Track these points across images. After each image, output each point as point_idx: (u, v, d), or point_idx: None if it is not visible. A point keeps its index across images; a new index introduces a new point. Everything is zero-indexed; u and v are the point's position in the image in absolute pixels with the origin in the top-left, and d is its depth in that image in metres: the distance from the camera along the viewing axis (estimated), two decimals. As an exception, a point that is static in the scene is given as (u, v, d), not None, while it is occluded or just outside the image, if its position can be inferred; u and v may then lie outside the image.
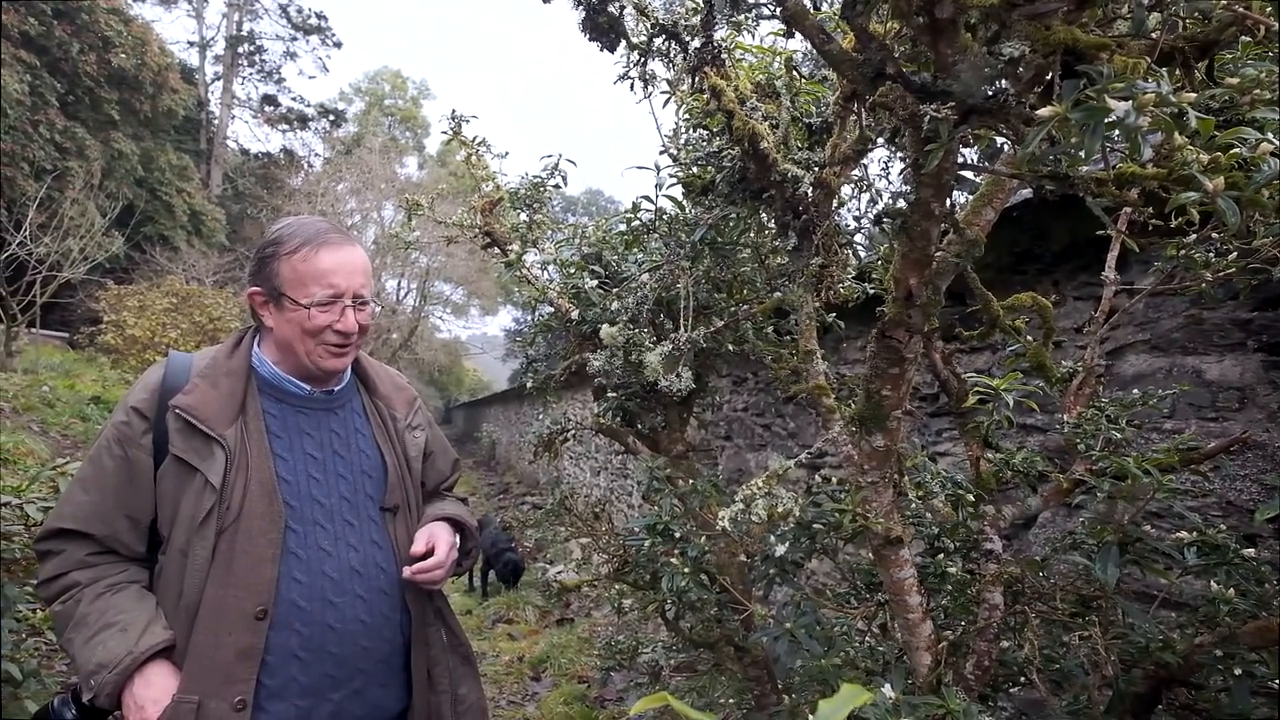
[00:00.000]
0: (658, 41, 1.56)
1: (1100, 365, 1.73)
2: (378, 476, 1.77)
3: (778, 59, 1.75)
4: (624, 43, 1.49)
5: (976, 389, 1.59)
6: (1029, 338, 1.71)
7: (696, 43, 1.49)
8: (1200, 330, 2.34)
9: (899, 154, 1.55)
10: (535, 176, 2.67)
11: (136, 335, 12.89)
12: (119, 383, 12.67)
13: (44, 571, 1.61)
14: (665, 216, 2.20)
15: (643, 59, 1.59)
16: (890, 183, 1.79)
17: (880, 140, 1.46)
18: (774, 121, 1.58)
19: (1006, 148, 1.40)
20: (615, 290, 2.37)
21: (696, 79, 1.50)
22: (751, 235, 2.05)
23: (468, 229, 2.69)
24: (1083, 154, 0.81)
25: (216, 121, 32.77)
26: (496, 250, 2.71)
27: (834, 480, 1.89)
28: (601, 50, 1.47)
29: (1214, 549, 1.48)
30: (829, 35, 1.08)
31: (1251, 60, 1.11)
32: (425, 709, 1.73)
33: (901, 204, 1.28)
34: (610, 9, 1.39)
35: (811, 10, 1.11)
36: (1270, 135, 0.83)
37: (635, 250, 2.53)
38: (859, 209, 1.81)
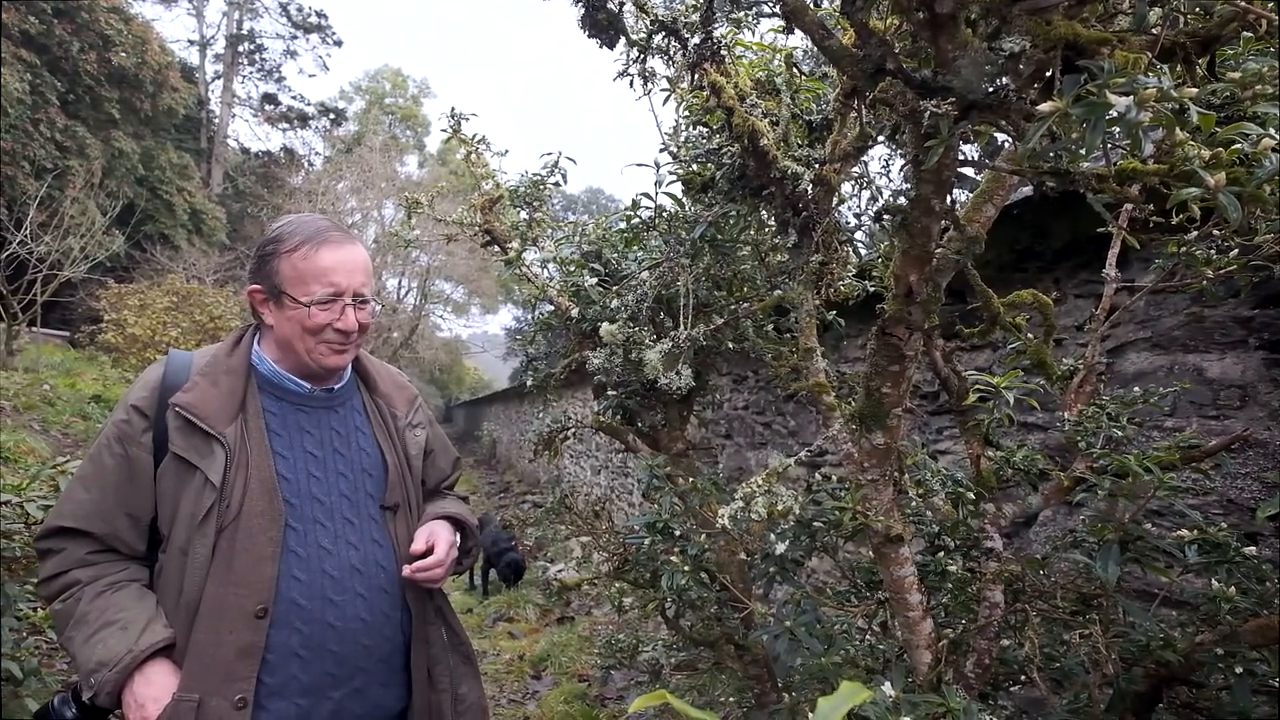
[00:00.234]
0: (657, 38, 1.56)
1: (1101, 363, 1.72)
2: (378, 475, 1.77)
3: (778, 56, 1.74)
4: (623, 39, 1.49)
5: (977, 387, 1.59)
6: (1030, 335, 1.70)
7: (696, 39, 1.48)
8: (1201, 328, 2.34)
9: (899, 151, 1.55)
10: (535, 174, 2.67)
11: (137, 334, 12.87)
12: (119, 381, 12.66)
13: (44, 570, 1.61)
14: (665, 214, 2.20)
15: (642, 56, 1.58)
16: (891, 180, 1.79)
17: (881, 137, 1.46)
18: (774, 118, 1.58)
19: (1007, 145, 1.40)
20: (615, 288, 2.37)
21: (696, 76, 1.50)
22: (751, 233, 2.05)
23: (468, 227, 2.69)
24: (1084, 150, 0.81)
25: (217, 120, 32.76)
26: (496, 248, 2.71)
27: (834, 478, 1.89)
28: (601, 47, 1.46)
29: (1215, 547, 1.48)
30: (829, 31, 1.08)
31: (1253, 55, 1.11)
32: (426, 707, 1.73)
33: (902, 201, 1.28)
34: (609, 6, 1.39)
35: (811, 6, 1.11)
36: (1272, 130, 0.83)
37: (635, 248, 2.52)
38: (859, 206, 1.80)
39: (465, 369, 41.96)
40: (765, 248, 2.02)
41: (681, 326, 1.92)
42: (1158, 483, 1.39)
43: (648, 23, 1.53)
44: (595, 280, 2.48)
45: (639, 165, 2.08)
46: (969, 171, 1.52)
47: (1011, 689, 1.77)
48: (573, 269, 2.61)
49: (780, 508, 1.40)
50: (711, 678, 2.86)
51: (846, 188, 1.73)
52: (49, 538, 1.61)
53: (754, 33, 1.77)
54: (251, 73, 35.26)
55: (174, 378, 1.66)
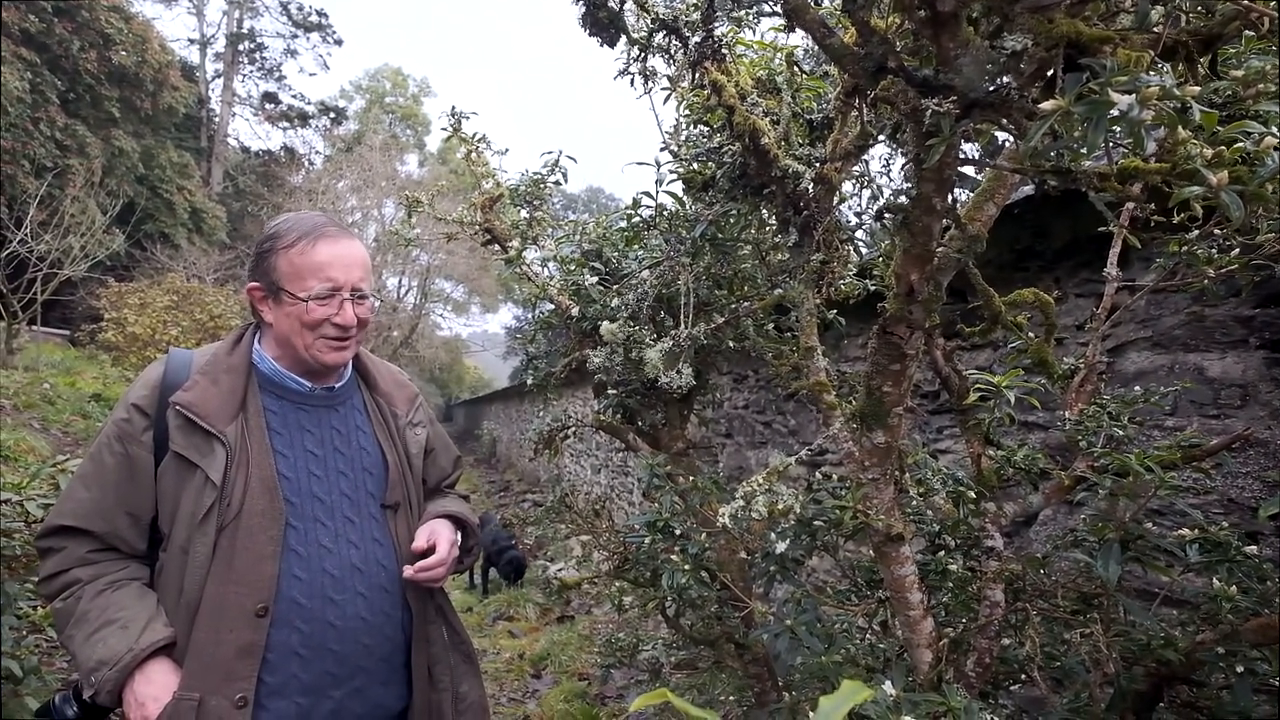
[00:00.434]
0: (658, 37, 1.56)
1: (1102, 362, 1.72)
2: (378, 473, 1.76)
3: (778, 55, 1.74)
4: (624, 38, 1.49)
5: (978, 386, 1.59)
6: (1030, 334, 1.70)
7: (697, 38, 1.48)
8: (1202, 327, 2.33)
9: (900, 150, 1.55)
10: (536, 173, 2.67)
11: (137, 333, 12.88)
12: (120, 380, 12.67)
13: (45, 568, 1.61)
14: (666, 213, 2.20)
15: (643, 54, 1.58)
16: (891, 179, 1.79)
17: (881, 136, 1.46)
18: (775, 117, 1.58)
19: (1007, 144, 1.40)
20: (615, 287, 2.37)
21: (697, 74, 1.50)
22: (752, 231, 2.05)
23: (468, 226, 2.69)
24: (1086, 148, 0.80)
25: (217, 119, 32.75)
26: (497, 247, 2.71)
27: (835, 477, 1.89)
28: (601, 46, 1.46)
29: (1216, 546, 1.48)
30: (830, 29, 1.07)
31: (1254, 54, 1.11)
32: (426, 707, 1.73)
33: (903, 199, 1.28)
34: (610, 4, 1.39)
35: (812, 4, 1.10)
36: (1274, 129, 0.83)
37: (636, 246, 2.52)
38: (860, 205, 1.80)
39: (465, 368, 41.96)
40: (766, 246, 2.02)
41: (682, 325, 1.92)
42: (1159, 482, 1.39)
43: (648, 21, 1.53)
44: (596, 279, 2.48)
45: (639, 164, 2.08)
46: (969, 170, 1.52)
47: (1012, 688, 1.77)
48: (573, 268, 2.60)
49: (781, 506, 1.40)
50: (711, 676, 2.86)
51: (847, 186, 1.73)
52: (49, 536, 1.61)
53: (754, 31, 1.77)
54: (252, 71, 35.27)
55: (174, 376, 1.66)
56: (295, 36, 35.34)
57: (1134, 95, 0.74)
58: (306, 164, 35.13)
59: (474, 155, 2.73)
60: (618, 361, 2.16)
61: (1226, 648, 1.37)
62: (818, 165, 1.50)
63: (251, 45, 34.81)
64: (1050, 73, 0.90)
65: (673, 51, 1.60)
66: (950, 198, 1.19)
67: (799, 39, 1.74)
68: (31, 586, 2.80)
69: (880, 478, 1.47)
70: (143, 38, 20.66)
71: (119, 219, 17.36)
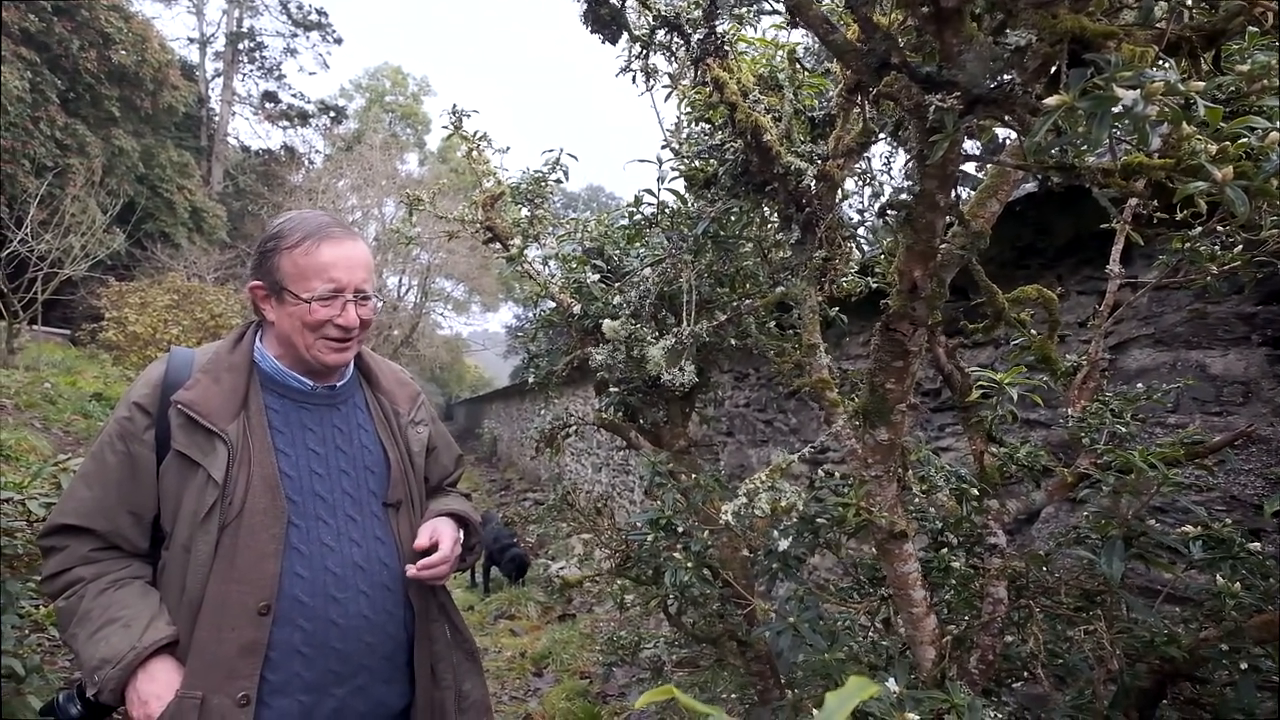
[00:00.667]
0: (660, 34, 1.55)
1: (1104, 359, 1.72)
2: (380, 472, 1.76)
3: (780, 52, 1.74)
4: (626, 35, 1.49)
5: (980, 383, 1.59)
6: (1033, 331, 1.70)
7: (699, 34, 1.48)
8: (1204, 324, 2.33)
9: (902, 147, 1.55)
10: (537, 171, 2.67)
11: (138, 332, 12.88)
12: (120, 379, 12.67)
13: (47, 567, 1.61)
14: (668, 210, 2.20)
15: (645, 51, 1.58)
16: (892, 177, 1.79)
17: (883, 134, 1.46)
18: (777, 114, 1.58)
19: (1009, 142, 1.40)
20: (617, 284, 2.36)
21: (699, 71, 1.49)
22: (754, 229, 2.05)
23: (470, 224, 2.68)
24: (1089, 144, 0.80)
25: (217, 118, 32.74)
26: (498, 245, 2.71)
27: (837, 474, 1.89)
28: (603, 43, 1.46)
29: (1219, 543, 1.48)
30: (833, 26, 1.07)
31: (1259, 49, 1.10)
32: (429, 705, 1.73)
33: (906, 196, 1.27)
34: (612, 1, 1.39)
35: (815, 1, 1.10)
36: (1279, 124, 0.83)
37: (638, 244, 2.52)
38: (862, 202, 1.80)
39: (466, 367, 41.97)
40: (768, 244, 2.02)
41: (684, 323, 1.92)
42: (1162, 479, 1.39)
43: (650, 18, 1.52)
44: (598, 276, 2.48)
45: (641, 161, 2.08)
46: (970, 168, 1.52)
47: (1015, 685, 1.77)
48: (575, 265, 2.60)
49: (784, 504, 1.40)
50: (714, 674, 2.87)
51: (849, 184, 1.72)
52: (52, 535, 1.61)
53: (755, 29, 1.76)
54: (252, 70, 35.24)
55: (176, 375, 1.66)
56: (295, 35, 35.33)
57: (1139, 90, 0.74)
58: (306, 163, 35.13)
59: (475, 153, 2.72)
60: (620, 359, 2.16)
61: (1230, 645, 1.37)
62: (820, 162, 1.50)
63: (251, 44, 34.79)
64: (1054, 68, 0.89)
65: (674, 49, 1.60)
66: (953, 194, 1.19)
67: (800, 36, 1.74)
68: (34, 585, 2.80)
69: (883, 475, 1.47)
70: (142, 37, 20.64)
71: (119, 218, 17.35)
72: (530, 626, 6.89)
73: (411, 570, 1.67)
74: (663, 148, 2.00)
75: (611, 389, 2.57)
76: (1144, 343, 2.53)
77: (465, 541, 1.86)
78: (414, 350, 30.26)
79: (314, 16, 35.27)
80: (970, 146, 1.21)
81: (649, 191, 2.20)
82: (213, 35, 34.64)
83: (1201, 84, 0.77)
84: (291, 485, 1.63)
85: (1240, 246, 1.49)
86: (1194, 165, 0.82)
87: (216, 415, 1.59)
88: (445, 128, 2.71)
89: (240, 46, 34.48)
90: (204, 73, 33.71)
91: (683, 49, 1.55)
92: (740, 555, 2.25)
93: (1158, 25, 0.89)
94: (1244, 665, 1.35)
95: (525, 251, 2.59)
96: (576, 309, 2.48)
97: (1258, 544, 1.47)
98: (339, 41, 36.28)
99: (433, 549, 1.71)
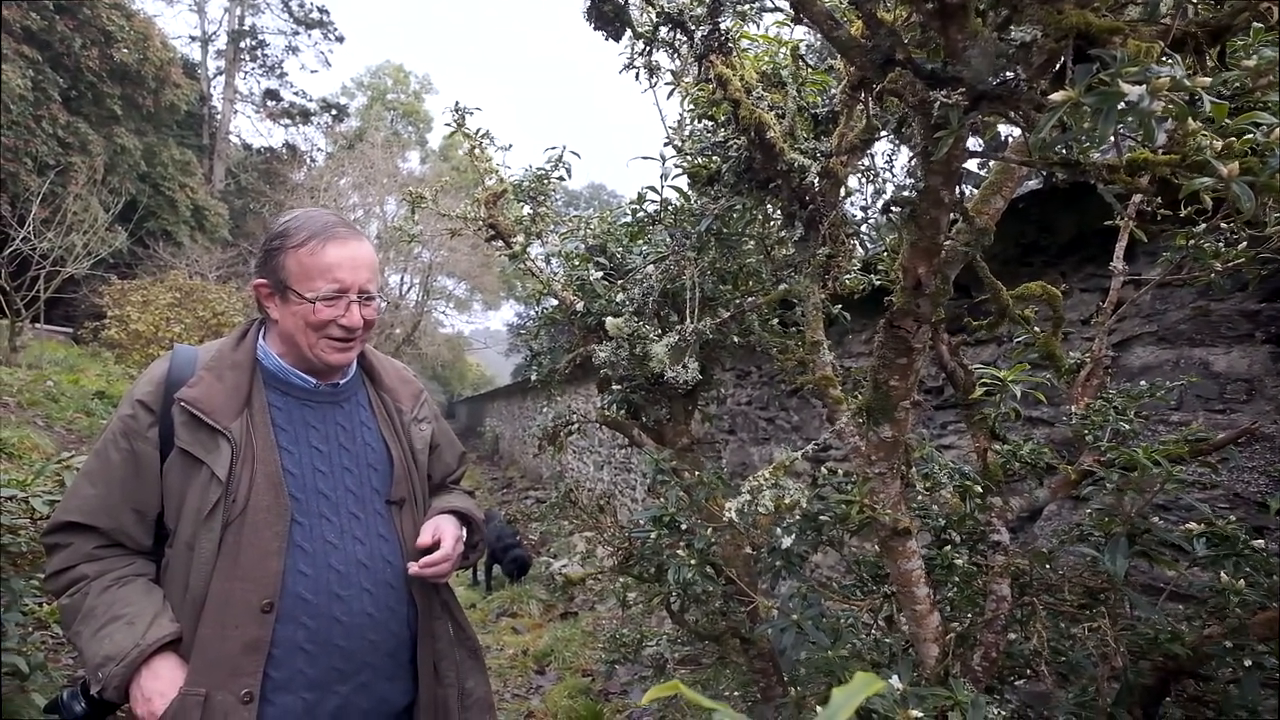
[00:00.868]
0: (663, 31, 1.55)
1: (1107, 357, 1.72)
2: (383, 469, 1.76)
3: (783, 49, 1.74)
4: (629, 32, 1.48)
5: (983, 380, 1.59)
6: (1037, 329, 1.70)
7: (702, 31, 1.48)
8: (1208, 322, 2.33)
9: (905, 144, 1.54)
10: (539, 169, 2.67)
11: (140, 330, 12.90)
12: (123, 377, 12.68)
13: (51, 565, 1.61)
14: (671, 207, 2.19)
15: (648, 48, 1.58)
16: (894, 175, 1.78)
17: (886, 131, 1.46)
18: (780, 111, 1.58)
19: (1011, 139, 1.40)
20: (621, 282, 2.36)
21: (702, 68, 1.49)
22: (757, 226, 2.04)
23: (472, 222, 2.68)
24: (1096, 140, 0.80)
25: (219, 116, 32.74)
26: (500, 243, 2.70)
27: (840, 472, 1.88)
28: (606, 40, 1.46)
29: (1223, 540, 1.48)
30: (837, 21, 1.07)
31: (1263, 45, 1.10)
32: (432, 702, 1.73)
33: (910, 193, 1.27)
34: (615, -2, 1.38)
35: (819, -3, 1.10)
36: (1285, 120, 0.83)
37: (640, 242, 2.52)
38: (866, 199, 1.80)
39: (467, 365, 42.01)
40: (771, 241, 2.01)
41: (688, 320, 1.91)
42: (1166, 476, 1.39)
43: (653, 15, 1.52)
44: (601, 274, 2.47)
45: (644, 159, 2.08)
46: (973, 165, 1.52)
47: (1018, 683, 1.77)
48: (577, 263, 2.60)
49: (787, 501, 1.40)
50: (716, 672, 2.87)
51: (853, 181, 1.72)
52: (56, 533, 1.61)
53: (758, 25, 1.76)
54: (253, 69, 35.22)
55: (179, 373, 1.66)
56: (297, 33, 35.30)
57: (1145, 86, 0.74)
58: (308, 161, 35.11)
59: (477, 151, 2.72)
60: (623, 356, 2.16)
61: (1233, 642, 1.37)
62: (823, 159, 1.49)
63: (253, 42, 34.76)
64: (1059, 64, 0.89)
65: (677, 45, 1.59)
66: (958, 191, 1.18)
67: (802, 33, 1.74)
68: (37, 583, 2.80)
69: (887, 472, 1.47)
70: (144, 35, 20.65)
71: (121, 216, 17.34)
72: (532, 624, 6.90)
73: (413, 568, 1.67)
74: (666, 145, 2.00)
75: (614, 386, 2.57)
76: (1147, 340, 2.53)
77: (468, 539, 1.86)
78: (416, 348, 30.28)
79: (316, 14, 35.26)
80: (972, 144, 1.21)
81: (652, 189, 2.19)
82: (214, 33, 34.67)
83: (1207, 80, 0.77)
84: (295, 483, 1.63)
85: (1244, 243, 1.49)
86: (1200, 161, 0.81)
87: (220, 413, 1.59)
88: (447, 125, 2.70)
89: (242, 44, 34.46)
90: (206, 71, 33.72)
91: (686, 46, 1.55)
92: (743, 552, 2.25)
93: (1163, 21, 0.89)
94: (1247, 662, 1.35)
95: (528, 249, 2.59)
96: (580, 306, 2.48)
97: (1261, 541, 1.47)
98: (341, 39, 36.27)
99: (435, 547, 1.71)
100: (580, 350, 2.63)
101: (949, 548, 1.73)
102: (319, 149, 36.58)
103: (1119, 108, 0.76)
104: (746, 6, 1.62)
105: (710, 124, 1.83)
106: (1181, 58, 0.91)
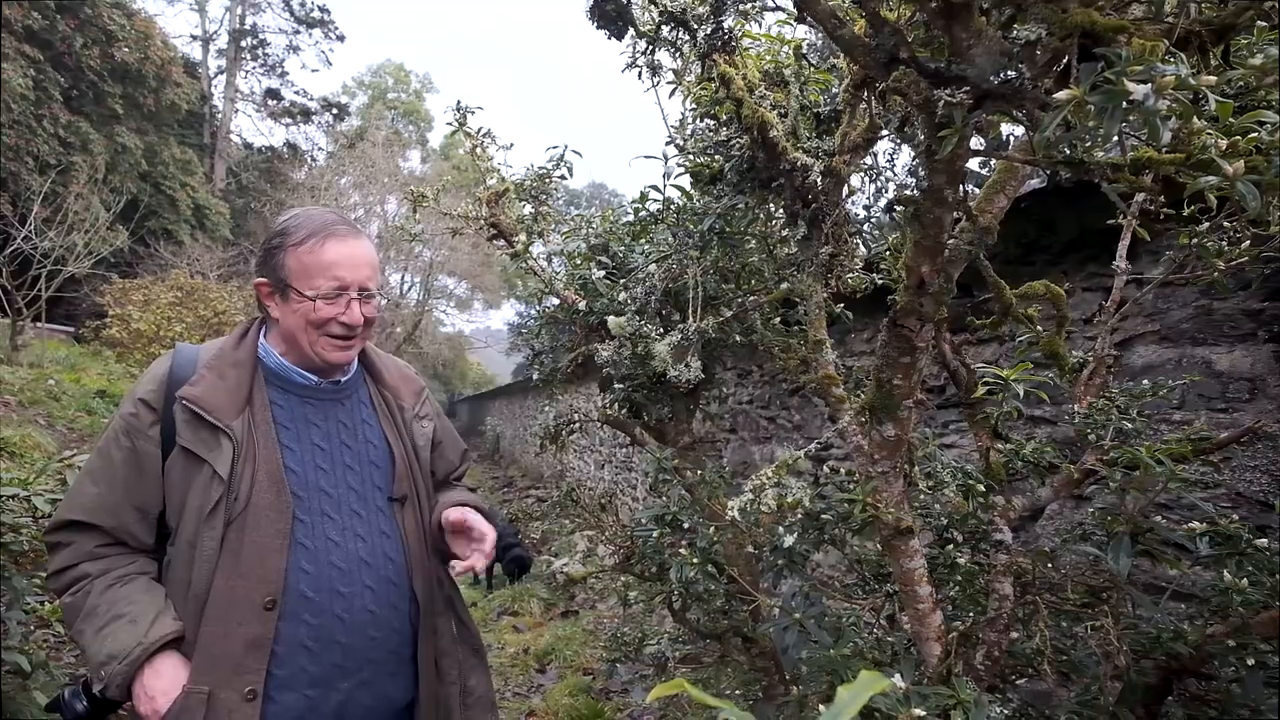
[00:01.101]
0: (665, 30, 1.55)
1: (1110, 356, 1.72)
2: (385, 467, 1.76)
3: (785, 47, 1.74)
4: (631, 31, 1.48)
5: (985, 380, 1.59)
6: (1039, 327, 1.70)
7: (705, 30, 1.48)
8: (1210, 321, 2.33)
9: (906, 143, 1.54)
10: (541, 168, 2.66)
11: (141, 329, 12.92)
12: (124, 376, 12.70)
13: (53, 563, 1.61)
14: (673, 206, 2.19)
15: (650, 47, 1.58)
16: (896, 174, 1.78)
17: (888, 130, 1.45)
18: (782, 110, 1.57)
19: (1013, 139, 1.40)
20: (623, 281, 2.36)
21: (705, 67, 1.49)
22: (760, 225, 2.04)
23: (473, 221, 2.68)
24: (1100, 138, 0.80)
25: (220, 115, 32.74)
26: (502, 242, 2.70)
27: (842, 471, 1.88)
28: (609, 39, 1.46)
29: (1226, 539, 1.47)
30: (840, 20, 1.07)
31: (1268, 44, 1.10)
32: (434, 699, 1.73)
33: (913, 192, 1.27)
34: (618, -4, 1.38)
35: (823, -5, 1.10)
36: (1290, 119, 0.82)
37: (643, 241, 2.52)
38: (868, 198, 1.80)
39: (468, 364, 42.00)
40: (774, 240, 2.01)
41: (690, 319, 1.91)
42: (1169, 475, 1.39)
43: (656, 14, 1.52)
44: (603, 273, 2.47)
45: (647, 158, 2.08)
46: (974, 164, 1.52)
47: (1021, 681, 1.77)
48: (579, 262, 2.60)
49: (789, 500, 1.40)
50: (717, 671, 2.86)
51: (855, 180, 1.72)
52: (58, 531, 1.61)
53: (761, 24, 1.76)
54: (254, 68, 35.19)
55: (181, 371, 1.66)
56: (298, 33, 35.25)
57: (1149, 85, 0.74)
58: (309, 160, 35.07)
59: (478, 150, 2.72)
60: (625, 355, 2.16)
61: (1236, 641, 1.37)
62: (826, 158, 1.49)
63: (254, 41, 34.73)
64: (1063, 63, 0.89)
65: (680, 44, 1.59)
66: (961, 190, 1.18)
67: (805, 32, 1.74)
68: (40, 581, 2.81)
69: (890, 471, 1.47)
70: (145, 34, 20.67)
71: (122, 216, 17.34)
72: (533, 623, 6.90)
73: (458, 567, 1.70)
74: (668, 144, 2.00)
75: (616, 385, 2.57)
76: (1150, 339, 2.53)
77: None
78: (417, 347, 30.28)
79: (316, 14, 35.21)
80: (975, 142, 1.21)
81: (654, 188, 2.19)
82: (215, 32, 34.65)
83: (1212, 78, 0.77)
84: (296, 481, 1.63)
85: (1247, 242, 1.49)
86: (1204, 160, 0.81)
87: (221, 411, 1.59)
88: (448, 124, 2.70)
89: (243, 43, 34.43)
90: (207, 70, 33.70)
91: (688, 44, 1.55)
92: (745, 551, 2.24)
93: (1167, 20, 0.89)
94: (1250, 661, 1.35)
95: (530, 248, 2.59)
96: (582, 305, 2.48)
97: (1264, 540, 1.47)
98: (341, 39, 36.21)
99: (462, 525, 1.74)
100: (582, 349, 2.63)
101: (951, 547, 1.73)
102: (320, 148, 36.56)
103: (1124, 106, 0.75)
104: (749, 5, 1.62)
105: (713, 123, 1.83)
106: (1186, 56, 0.91)
